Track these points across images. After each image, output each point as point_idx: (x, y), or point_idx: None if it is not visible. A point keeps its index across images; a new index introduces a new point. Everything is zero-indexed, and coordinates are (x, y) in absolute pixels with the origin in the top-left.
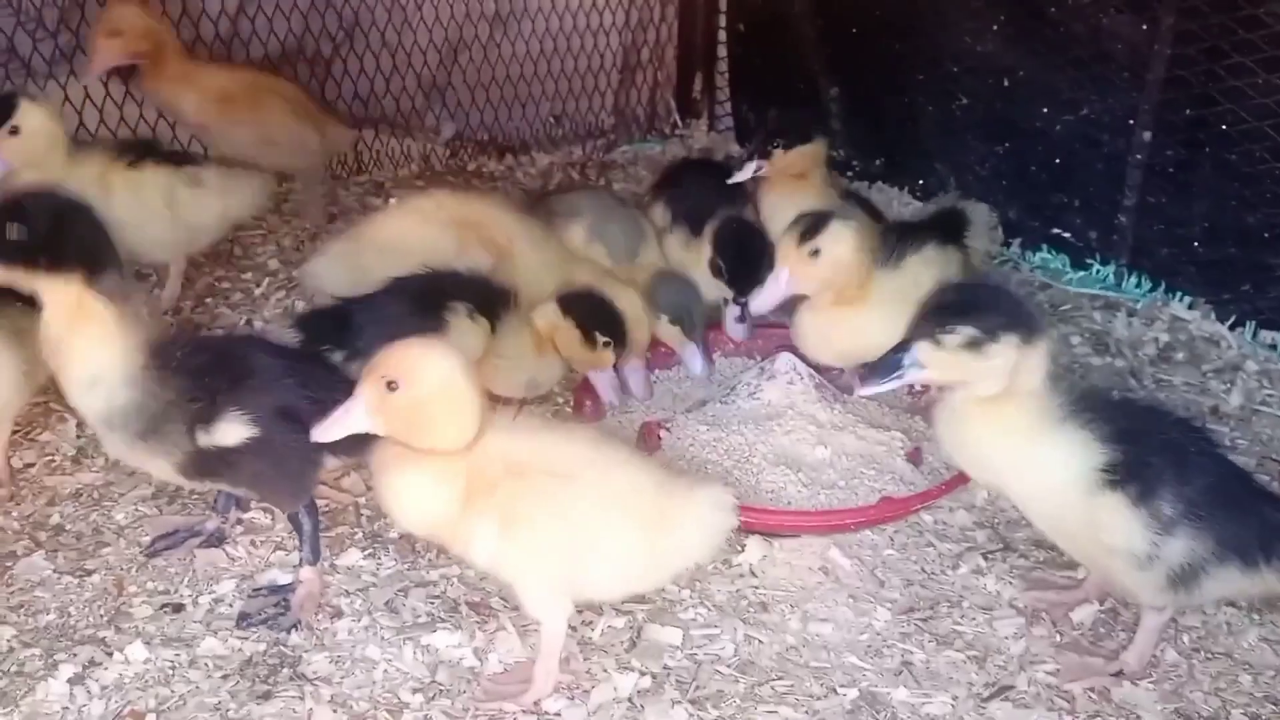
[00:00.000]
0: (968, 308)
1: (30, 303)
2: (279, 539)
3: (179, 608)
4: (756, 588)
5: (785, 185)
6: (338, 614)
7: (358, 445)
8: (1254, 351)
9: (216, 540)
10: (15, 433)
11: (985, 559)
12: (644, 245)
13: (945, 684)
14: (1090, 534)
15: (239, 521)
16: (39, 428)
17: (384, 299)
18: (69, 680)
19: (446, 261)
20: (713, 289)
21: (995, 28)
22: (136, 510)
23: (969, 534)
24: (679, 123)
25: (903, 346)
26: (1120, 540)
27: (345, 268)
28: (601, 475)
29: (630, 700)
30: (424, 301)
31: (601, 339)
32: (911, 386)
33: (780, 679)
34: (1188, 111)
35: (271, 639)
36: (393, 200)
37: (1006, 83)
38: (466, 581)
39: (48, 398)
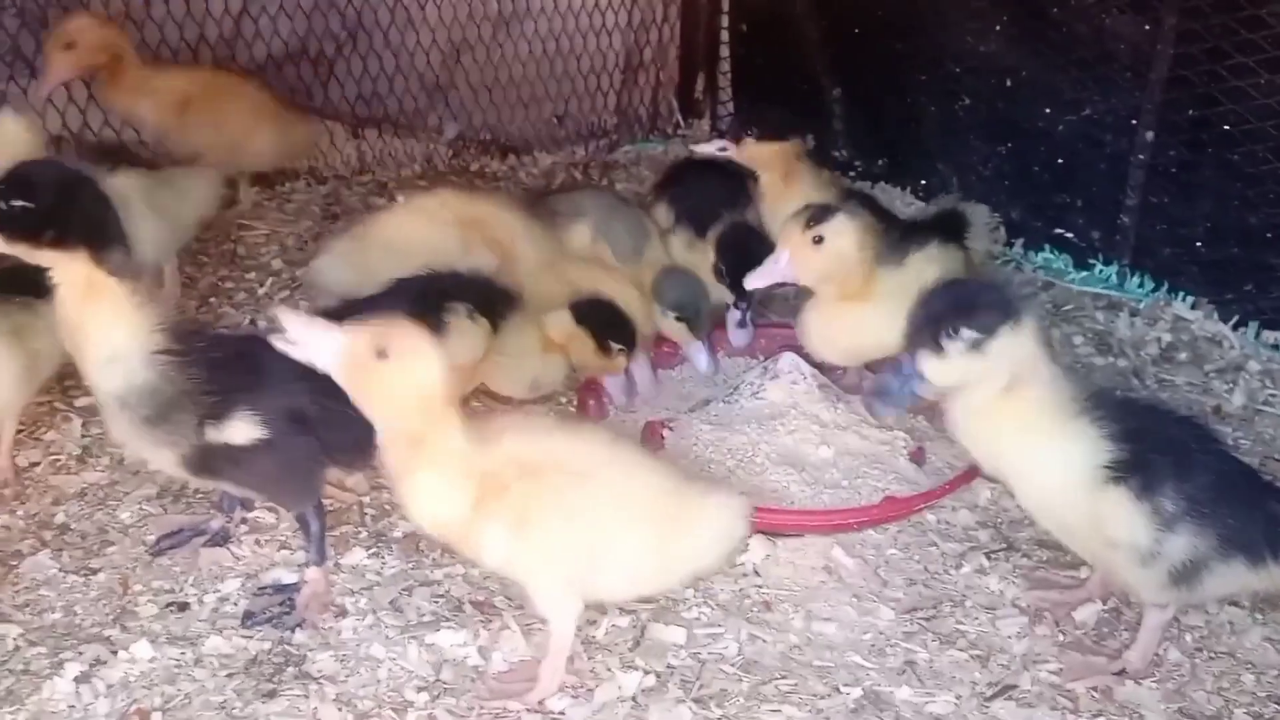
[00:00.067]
0: (960, 310)
1: (35, 294)
2: (284, 538)
3: (184, 606)
4: (760, 587)
5: (788, 190)
6: (342, 613)
7: (361, 455)
8: (1256, 351)
9: (221, 539)
10: (20, 432)
11: (988, 558)
12: (648, 245)
13: (948, 683)
14: (1093, 529)
15: (244, 521)
16: (44, 427)
17: (385, 300)
18: (75, 679)
19: (450, 261)
20: (717, 290)
21: (998, 28)
22: (141, 509)
23: (972, 533)
24: (681, 123)
25: (903, 364)
26: (1123, 535)
27: (349, 266)
28: (616, 476)
29: (634, 699)
30: (425, 302)
31: (616, 347)
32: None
33: (784, 678)
34: (1190, 111)
35: (276, 638)
36: (399, 199)
37: (1009, 83)
38: (471, 580)
39: (52, 397)
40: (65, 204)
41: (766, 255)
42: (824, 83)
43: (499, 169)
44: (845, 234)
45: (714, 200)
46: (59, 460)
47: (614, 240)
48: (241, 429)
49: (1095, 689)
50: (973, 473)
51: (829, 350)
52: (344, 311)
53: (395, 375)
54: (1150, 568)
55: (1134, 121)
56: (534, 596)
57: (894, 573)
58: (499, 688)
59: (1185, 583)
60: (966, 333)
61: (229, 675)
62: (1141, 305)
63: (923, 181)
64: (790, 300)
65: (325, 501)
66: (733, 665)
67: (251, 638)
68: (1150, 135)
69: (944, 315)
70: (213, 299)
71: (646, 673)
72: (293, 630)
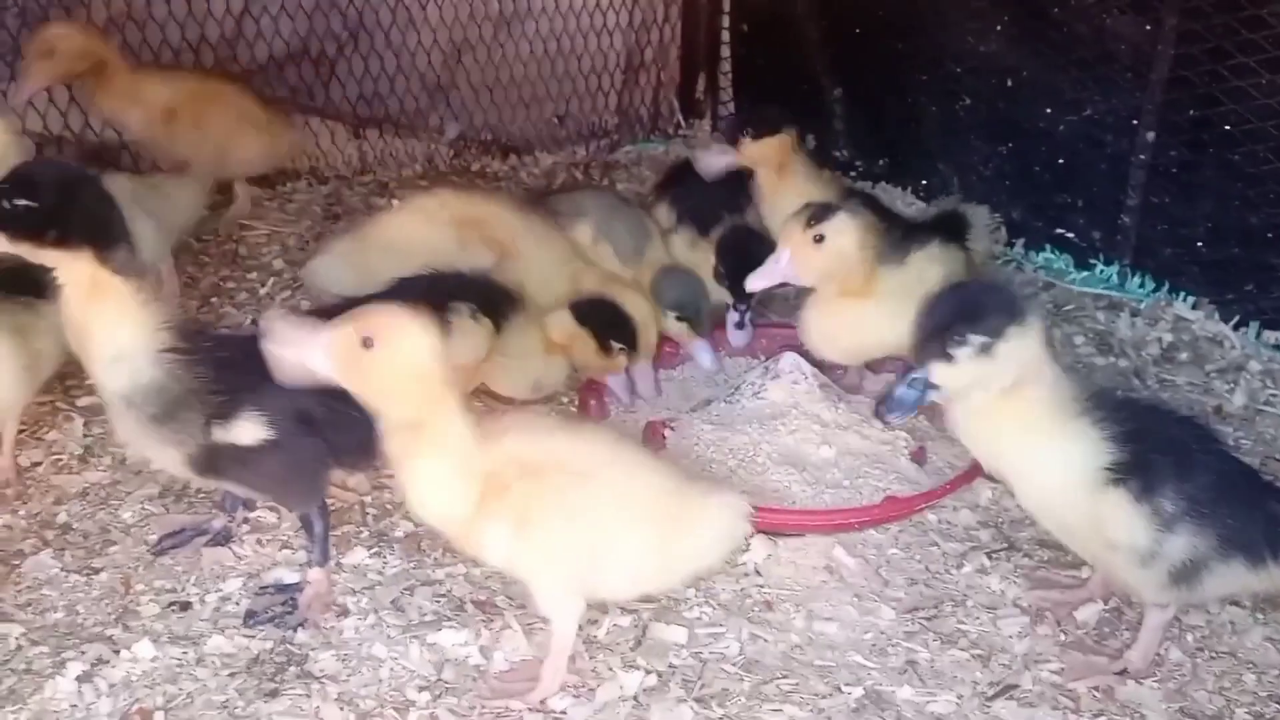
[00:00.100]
0: (967, 315)
1: (36, 294)
2: (285, 538)
3: (186, 606)
4: (761, 586)
5: (783, 184)
6: (344, 612)
7: (366, 457)
8: (1257, 351)
9: (223, 539)
10: (22, 431)
11: (989, 558)
12: (650, 245)
13: (950, 683)
14: (1093, 530)
15: (245, 520)
16: (46, 426)
17: (386, 300)
18: (77, 678)
19: (451, 261)
20: (716, 288)
21: (998, 28)
22: (143, 509)
23: (973, 533)
24: (682, 123)
25: (912, 373)
26: (1122, 537)
27: (349, 266)
28: (618, 476)
29: (635, 698)
30: (428, 301)
31: (617, 346)
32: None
33: (785, 678)
34: (1191, 112)
35: (278, 637)
36: (396, 200)
37: (1010, 83)
38: (472, 580)
39: (54, 396)
40: (68, 203)
41: (766, 257)
42: (825, 83)
43: (500, 169)
44: (846, 232)
45: (715, 200)
46: (61, 460)
47: (615, 240)
48: (248, 429)
49: (1097, 689)
50: (974, 472)
51: (830, 349)
52: (343, 309)
53: (385, 361)
54: (1150, 568)
55: (1135, 121)
56: (535, 596)
57: (895, 572)
58: (501, 687)
59: (1185, 583)
60: (974, 337)
61: (231, 674)
62: (1142, 305)
63: (923, 181)
64: (791, 300)
65: (327, 501)
66: (734, 665)
67: (253, 637)
68: (1151, 135)
69: (950, 322)
70: (214, 299)
71: (648, 672)
72: (294, 630)
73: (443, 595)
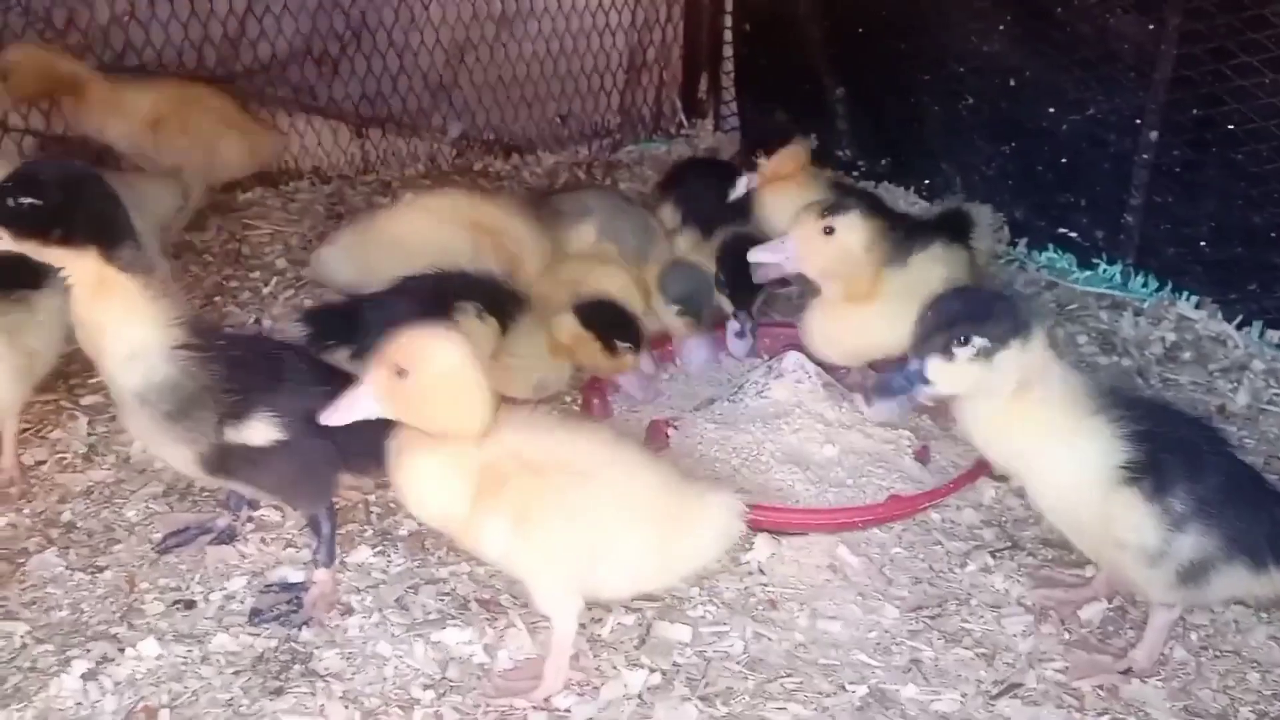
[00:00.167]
0: (973, 316)
1: (31, 285)
2: (289, 536)
3: (191, 604)
4: (765, 585)
5: (777, 185)
6: (348, 611)
7: (375, 462)
8: (1261, 351)
9: (227, 537)
10: (26, 430)
11: (993, 557)
12: (653, 245)
13: (954, 681)
14: (1104, 528)
15: (250, 519)
16: (50, 425)
17: (392, 297)
18: (82, 676)
19: (456, 260)
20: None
21: (1001, 28)
22: (148, 507)
23: (977, 532)
24: (685, 122)
25: (909, 365)
26: (1131, 536)
27: (353, 259)
28: (617, 475)
29: (640, 697)
30: (433, 301)
31: (622, 346)
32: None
33: (789, 676)
34: (1194, 111)
35: (283, 635)
36: (404, 197)
37: (1013, 83)
38: (476, 579)
39: (57, 395)
40: (73, 202)
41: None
42: (827, 82)
43: (502, 168)
44: (856, 230)
45: (719, 201)
46: (65, 458)
47: (619, 240)
48: (260, 430)
49: (1101, 687)
50: (977, 471)
51: (832, 350)
52: (350, 307)
53: (426, 383)
54: (1158, 567)
55: (1138, 121)
56: (534, 593)
57: (899, 571)
58: (505, 685)
59: (1192, 583)
60: (978, 340)
61: (236, 673)
62: (1145, 305)
63: (926, 181)
64: (794, 300)
65: (335, 502)
66: (738, 663)
67: (258, 635)
68: (1154, 135)
69: (956, 321)
70: (217, 298)
71: (652, 670)
72: (299, 628)
73: (447, 594)
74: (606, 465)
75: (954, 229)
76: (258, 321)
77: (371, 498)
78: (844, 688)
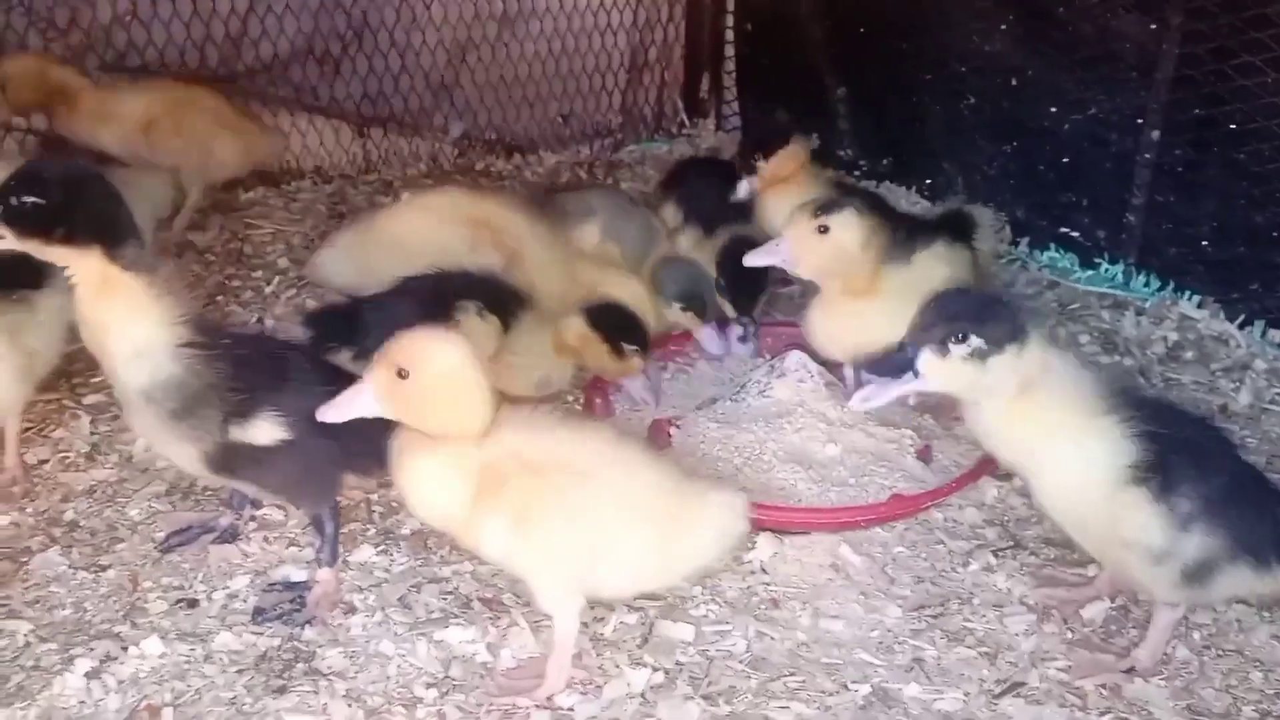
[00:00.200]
0: (973, 316)
1: (31, 285)
2: (292, 535)
3: (194, 603)
4: (768, 584)
5: (778, 187)
6: (351, 610)
7: (379, 462)
8: (1263, 350)
9: (230, 536)
10: (28, 429)
11: (996, 556)
12: (656, 245)
13: (957, 680)
14: (1108, 528)
15: (252, 518)
16: (52, 424)
17: (394, 298)
18: (85, 674)
19: (456, 259)
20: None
21: (1003, 27)
22: (150, 506)
23: (979, 531)
24: (686, 122)
25: (903, 353)
26: (1138, 536)
27: (352, 260)
28: (618, 474)
29: (643, 695)
30: (434, 300)
31: (629, 349)
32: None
33: (792, 675)
34: (1196, 111)
35: (286, 634)
36: (404, 197)
37: (1014, 82)
38: (479, 578)
39: (60, 394)
40: (76, 201)
41: (768, 272)
42: (829, 82)
43: (504, 168)
44: (850, 228)
45: (721, 200)
46: (68, 458)
47: (623, 239)
48: (265, 429)
49: (1104, 686)
50: (980, 471)
51: (834, 347)
52: (351, 309)
53: (427, 384)
54: (1163, 567)
55: (1140, 121)
56: (535, 592)
57: (901, 570)
58: (507, 684)
59: (1197, 582)
60: (974, 340)
61: (239, 671)
62: (1147, 304)
63: (928, 181)
64: (795, 299)
65: (338, 502)
66: (741, 662)
67: (261, 634)
68: (1156, 134)
69: (956, 318)
70: (220, 297)
71: (655, 669)
72: (302, 627)
73: (449, 593)
74: (607, 465)
75: (956, 229)
76: (260, 321)
77: (374, 497)
78: (846, 687)
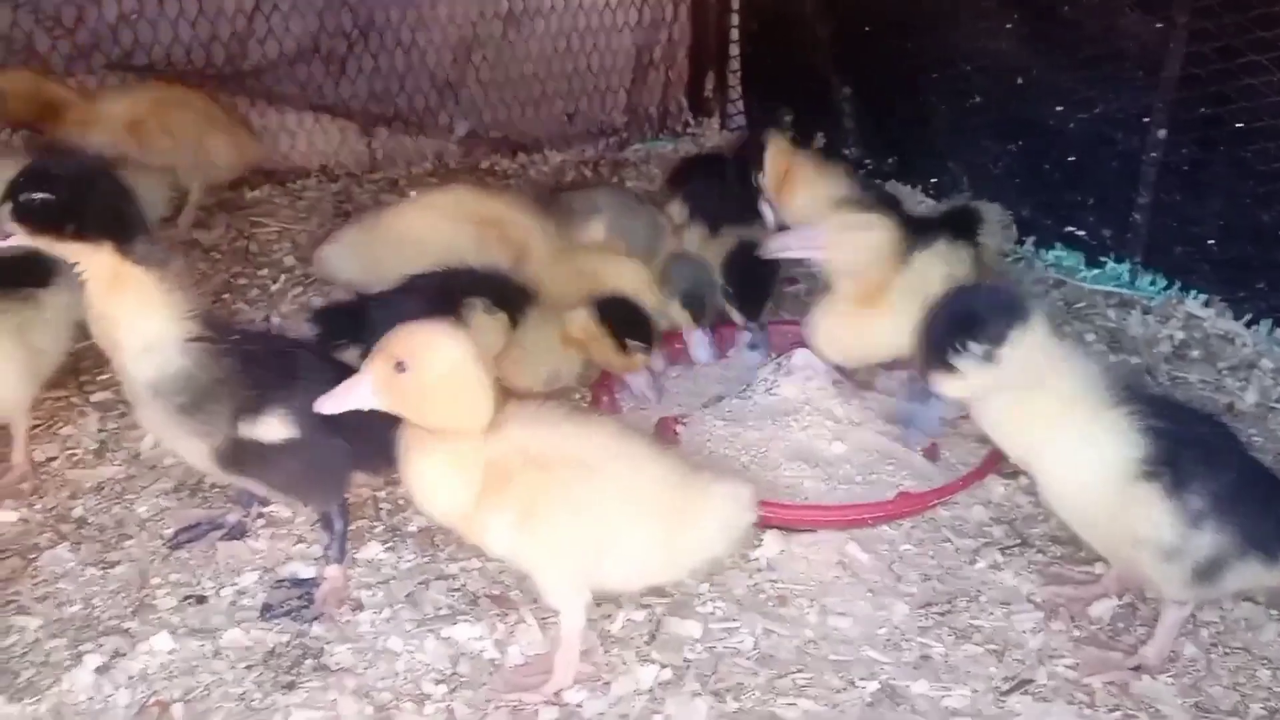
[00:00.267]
0: (964, 326)
1: (38, 283)
2: (300, 532)
3: (202, 599)
4: (775, 582)
5: (790, 184)
6: (359, 606)
7: (388, 460)
8: (1269, 349)
9: (238, 533)
10: (36, 427)
11: (1003, 554)
12: (662, 243)
13: (964, 678)
14: (1119, 524)
15: (260, 515)
16: (60, 422)
17: (401, 295)
18: (95, 670)
19: (462, 256)
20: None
21: (1008, 26)
22: (158, 503)
23: (986, 529)
24: (691, 121)
25: (919, 386)
26: (1150, 531)
27: (357, 256)
28: (622, 468)
29: (651, 692)
30: (441, 297)
31: (635, 345)
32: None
33: (800, 671)
34: (1202, 109)
35: (294, 630)
36: (410, 195)
37: (1020, 81)
38: (486, 574)
39: (68, 392)
40: (87, 196)
41: (774, 278)
42: (834, 81)
43: (509, 167)
44: (886, 232)
45: (728, 197)
46: (76, 455)
47: (629, 237)
48: (274, 426)
49: (1111, 684)
50: (986, 468)
51: (833, 351)
52: (358, 306)
53: (425, 377)
54: (1174, 564)
55: (1146, 119)
56: (541, 588)
57: (908, 568)
58: (515, 680)
59: (1207, 579)
60: (975, 346)
61: (248, 667)
62: (1154, 303)
63: (933, 180)
64: (801, 298)
65: (346, 499)
66: (749, 659)
67: (270, 630)
68: (1162, 133)
69: (949, 334)
70: (226, 295)
71: (663, 666)
72: (310, 623)
73: (457, 589)
74: (612, 459)
75: (958, 227)
76: (267, 319)
77: (381, 494)
78: (854, 683)
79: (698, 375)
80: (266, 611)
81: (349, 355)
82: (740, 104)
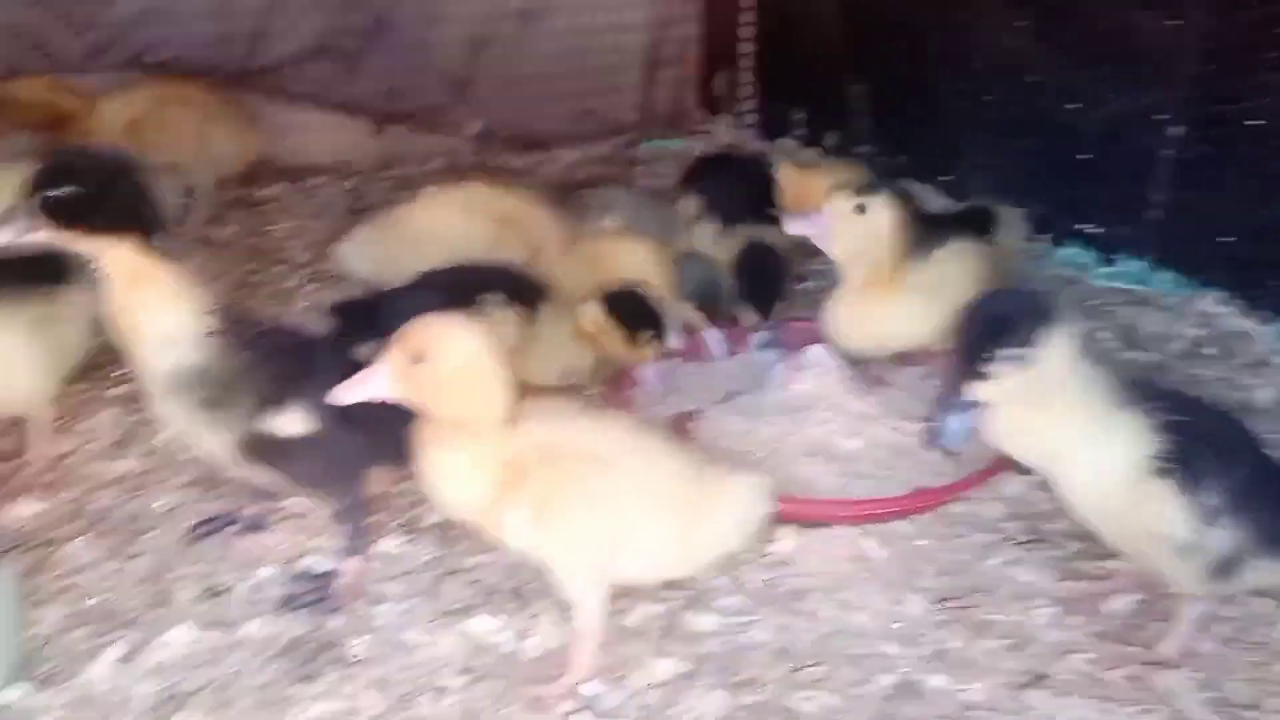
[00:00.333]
0: (993, 333)
1: (57, 279)
2: (318, 525)
3: (221, 592)
4: (791, 576)
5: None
6: (377, 599)
7: (405, 456)
8: None
9: (256, 526)
10: (55, 421)
11: (1019, 549)
12: (676, 237)
13: (982, 672)
14: (1135, 520)
15: (279, 508)
16: (80, 416)
17: (417, 290)
18: (116, 662)
19: (478, 252)
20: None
21: (1023, 23)
22: (177, 497)
23: (1002, 525)
24: (704, 119)
25: (956, 398)
26: (1164, 527)
27: (373, 253)
28: (638, 462)
29: (668, 685)
30: (457, 292)
31: (645, 334)
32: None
33: (816, 665)
34: (1218, 106)
35: (313, 623)
36: (426, 191)
37: (1034, 78)
38: (503, 568)
39: (87, 385)
40: (110, 190)
41: (786, 278)
42: (847, 78)
43: (522, 164)
44: (886, 209)
45: (742, 193)
46: (95, 449)
47: (644, 233)
48: (295, 420)
49: (1129, 678)
50: (1002, 464)
51: (852, 340)
52: (374, 301)
53: (442, 369)
54: (1189, 560)
55: (1161, 116)
56: (559, 583)
57: (925, 563)
58: (533, 673)
59: (1223, 575)
60: (1006, 352)
61: (268, 659)
62: (1169, 300)
63: (947, 178)
64: (812, 294)
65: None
66: (765, 652)
67: (289, 623)
68: (1177, 130)
69: (979, 343)
70: (240, 291)
71: (680, 659)
72: (329, 616)
73: (475, 583)
74: (627, 453)
75: (976, 225)
76: (281, 315)
77: (399, 488)
78: (871, 677)
79: (711, 372)
80: (285, 604)
81: (365, 350)
82: (753, 102)
